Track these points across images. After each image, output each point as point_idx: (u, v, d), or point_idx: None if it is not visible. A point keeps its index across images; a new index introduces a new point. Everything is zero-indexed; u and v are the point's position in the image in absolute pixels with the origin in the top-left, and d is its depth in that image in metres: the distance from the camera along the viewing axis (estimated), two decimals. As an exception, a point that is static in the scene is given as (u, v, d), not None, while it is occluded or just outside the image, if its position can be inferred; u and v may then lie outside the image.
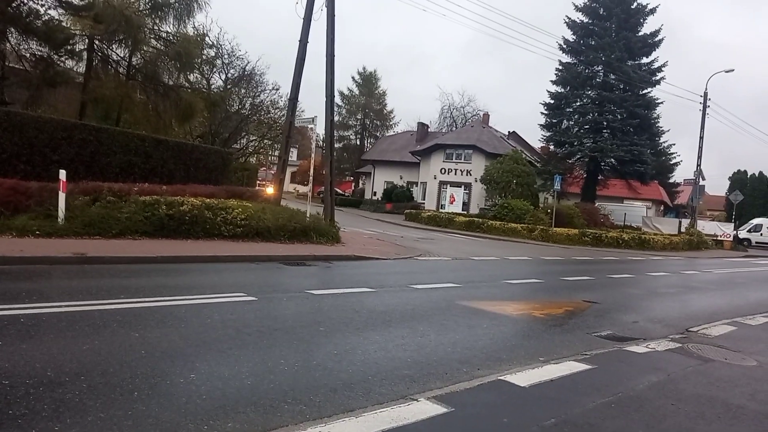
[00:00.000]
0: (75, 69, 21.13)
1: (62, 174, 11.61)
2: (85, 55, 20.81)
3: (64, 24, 19.05)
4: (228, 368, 4.71)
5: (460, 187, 43.56)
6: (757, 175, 60.98)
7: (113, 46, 21.53)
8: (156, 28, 22.05)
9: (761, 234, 42.20)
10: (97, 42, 20.76)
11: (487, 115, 56.05)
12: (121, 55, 22.13)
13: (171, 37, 22.16)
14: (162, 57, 22.17)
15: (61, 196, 11.57)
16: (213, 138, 32.20)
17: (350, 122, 71.08)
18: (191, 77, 27.60)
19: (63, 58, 20.10)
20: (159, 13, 21.70)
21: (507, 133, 54.27)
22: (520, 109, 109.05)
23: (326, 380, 4.66)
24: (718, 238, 39.72)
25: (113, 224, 11.90)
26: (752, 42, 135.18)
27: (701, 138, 37.29)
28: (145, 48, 21.65)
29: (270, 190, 21.57)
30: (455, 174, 43.70)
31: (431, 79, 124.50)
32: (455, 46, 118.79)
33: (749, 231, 46.25)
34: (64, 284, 7.84)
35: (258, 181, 40.75)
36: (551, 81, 40.39)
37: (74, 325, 5.54)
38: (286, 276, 10.64)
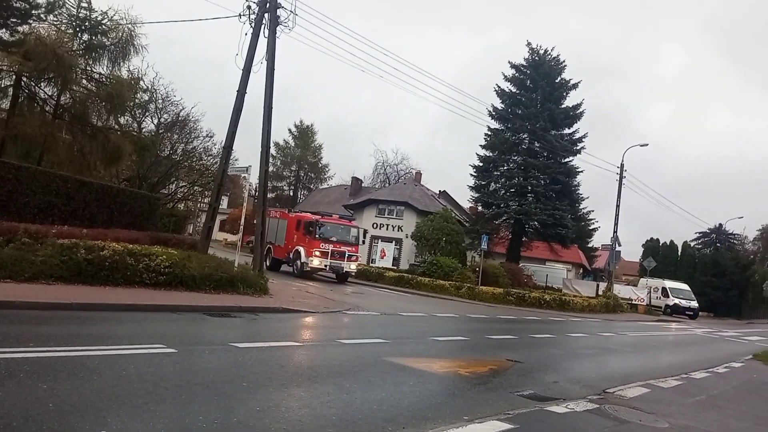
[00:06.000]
0: (-2, 105, 20.31)
1: (-27, 212, 10.98)
2: (10, 91, 20.03)
3: (-10, 59, 18.36)
4: (142, 424, 4.50)
5: (392, 242, 43.97)
6: (668, 243, 64.86)
7: (42, 83, 20.85)
8: (89, 68, 21.58)
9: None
10: (24, 78, 20.05)
11: (419, 174, 57.48)
12: (50, 94, 21.44)
13: (104, 79, 21.72)
14: (93, 98, 21.68)
15: (-30, 236, 10.90)
16: (141, 182, 31.28)
17: (284, 173, 71.13)
18: (122, 120, 26.97)
19: (-15, 94, 19.30)
20: (93, 54, 21.33)
21: (438, 192, 55.62)
22: (451, 169, 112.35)
23: (247, 438, 4.53)
24: (633, 301, 41.63)
25: (26, 267, 11.21)
26: (672, 134, 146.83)
27: (618, 206, 39.53)
28: (75, 88, 21.08)
29: None
30: (387, 229, 44.15)
31: (368, 138, 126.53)
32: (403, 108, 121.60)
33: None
34: (-35, 330, 7.29)
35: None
36: (481, 145, 42.06)
37: (-25, 376, 5.17)
38: (210, 328, 10.32)
